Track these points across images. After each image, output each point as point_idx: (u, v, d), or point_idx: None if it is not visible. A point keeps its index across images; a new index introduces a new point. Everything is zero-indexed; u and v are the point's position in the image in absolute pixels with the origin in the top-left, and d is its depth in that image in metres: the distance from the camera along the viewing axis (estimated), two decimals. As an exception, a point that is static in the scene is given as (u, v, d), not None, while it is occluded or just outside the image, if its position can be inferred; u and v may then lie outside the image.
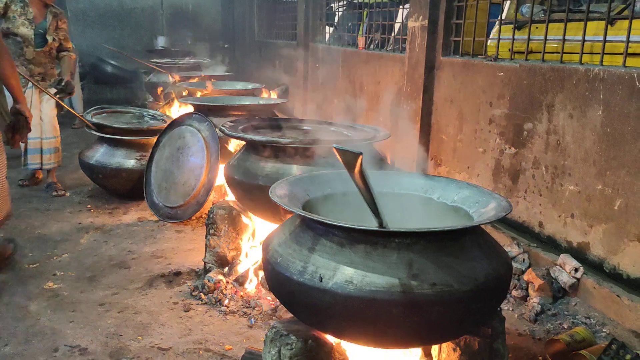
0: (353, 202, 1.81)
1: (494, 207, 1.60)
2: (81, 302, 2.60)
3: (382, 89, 4.96)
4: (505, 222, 3.35)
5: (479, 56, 3.66)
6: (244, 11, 10.13)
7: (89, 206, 4.00)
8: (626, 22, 2.78)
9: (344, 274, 1.41)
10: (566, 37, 3.02)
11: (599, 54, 2.78)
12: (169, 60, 7.11)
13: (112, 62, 9.97)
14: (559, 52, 3.03)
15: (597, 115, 2.70)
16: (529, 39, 3.27)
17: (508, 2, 4.46)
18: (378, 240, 1.44)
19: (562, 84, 2.91)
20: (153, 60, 7.19)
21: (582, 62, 2.87)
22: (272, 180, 2.22)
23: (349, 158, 1.38)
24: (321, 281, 1.42)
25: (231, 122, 2.70)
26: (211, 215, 2.71)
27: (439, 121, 4.05)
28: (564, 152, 2.92)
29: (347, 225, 1.42)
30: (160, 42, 9.82)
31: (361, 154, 1.36)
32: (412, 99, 4.25)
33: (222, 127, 2.51)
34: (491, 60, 3.48)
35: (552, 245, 2.99)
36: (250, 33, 9.82)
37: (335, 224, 1.44)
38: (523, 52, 3.47)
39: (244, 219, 2.72)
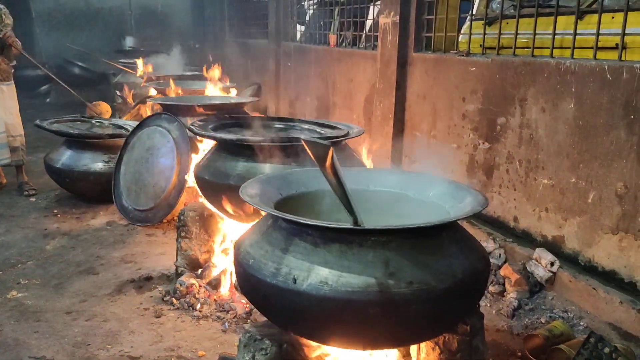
0: (327, 201, 1.77)
1: (470, 202, 1.57)
2: (46, 311, 2.49)
3: (355, 87, 4.92)
4: (481, 218, 3.33)
5: (451, 52, 3.65)
6: (214, 11, 10.01)
7: (55, 211, 3.87)
8: (595, 16, 2.79)
9: (319, 274, 1.36)
10: (537, 32, 3.03)
11: (569, 48, 2.79)
12: (137, 60, 6.95)
13: (80, 63, 9.76)
14: (530, 47, 3.03)
15: (569, 108, 2.69)
16: (499, 35, 3.26)
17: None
18: (353, 239, 1.39)
19: (534, 78, 2.91)
20: (121, 61, 7.03)
21: (553, 56, 2.87)
22: (244, 180, 2.15)
23: (319, 151, 1.33)
24: (295, 283, 1.37)
25: (201, 121, 2.62)
26: (182, 217, 2.63)
27: (413, 118, 4.03)
28: (537, 145, 2.91)
29: (320, 225, 1.37)
30: (129, 42, 9.64)
31: (331, 146, 1.30)
32: (385, 95, 4.23)
33: (191, 127, 2.44)
34: (463, 55, 3.46)
35: (528, 239, 2.99)
36: (221, 33, 9.70)
37: (308, 222, 1.39)
38: (495, 48, 3.47)
39: (215, 220, 2.64)
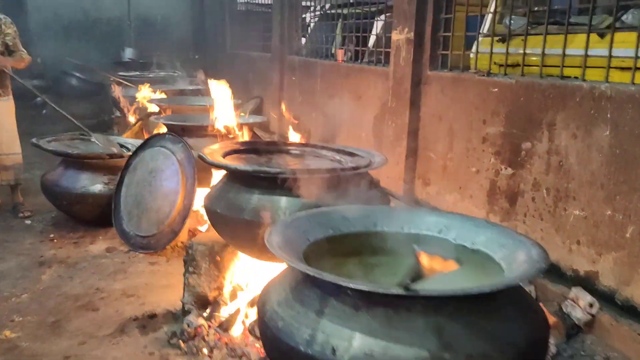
0: (361, 245, 1.59)
1: (524, 254, 1.38)
2: (43, 355, 2.28)
3: (364, 104, 4.75)
4: (503, 247, 3.16)
5: (470, 71, 3.48)
6: (215, 22, 9.85)
7: (52, 235, 3.66)
8: (617, 35, 2.65)
9: (362, 344, 1.17)
10: (559, 51, 2.87)
11: (591, 67, 2.64)
12: (137, 73, 6.79)
13: (77, 74, 9.56)
14: (553, 66, 2.88)
15: (605, 136, 2.52)
16: (524, 53, 3.09)
17: (490, 15, 4.31)
18: (400, 302, 1.20)
19: (563, 102, 2.74)
20: (120, 74, 6.85)
21: (585, 79, 2.70)
22: (259, 215, 1.97)
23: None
24: (334, 354, 1.18)
25: (211, 147, 2.44)
26: (190, 252, 2.43)
27: (427, 138, 3.85)
28: (567, 174, 2.74)
29: (364, 289, 1.18)
30: (128, 54, 9.46)
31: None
32: (397, 114, 4.05)
33: (202, 155, 2.25)
34: (484, 75, 3.30)
35: (557, 273, 2.80)
36: (222, 44, 9.53)
37: (349, 285, 1.20)
38: (511, 66, 3.32)
39: (227, 254, 2.45)
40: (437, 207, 3.76)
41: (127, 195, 3.48)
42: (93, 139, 4.06)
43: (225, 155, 2.39)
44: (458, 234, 1.63)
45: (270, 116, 7.03)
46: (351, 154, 2.45)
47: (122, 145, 4.03)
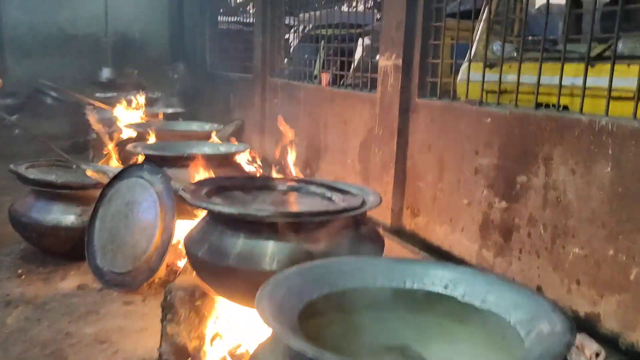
0: (363, 306, 1.44)
1: (547, 323, 1.24)
2: (3, 415, 2.08)
3: (350, 130, 4.63)
4: (497, 284, 3.03)
5: (461, 99, 3.39)
6: (195, 40, 9.70)
7: (20, 270, 3.43)
8: (608, 64, 2.58)
9: None
10: (549, 79, 2.80)
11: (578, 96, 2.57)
12: (114, 94, 6.58)
13: (53, 93, 9.29)
14: (543, 94, 2.81)
15: (605, 173, 2.42)
16: (518, 82, 3.00)
17: (475, 42, 4.22)
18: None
19: (561, 135, 2.64)
20: (96, 95, 6.64)
21: (583, 112, 2.61)
22: (245, 261, 1.81)
23: None
24: None
25: (192, 184, 2.27)
26: (168, 297, 2.25)
27: (416, 167, 3.74)
28: (565, 210, 2.63)
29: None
30: (105, 73, 9.23)
31: None
32: (385, 142, 3.94)
33: (182, 193, 2.08)
34: (475, 104, 3.20)
35: (555, 313, 2.69)
36: (201, 64, 9.39)
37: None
38: (492, 92, 3.23)
39: (208, 301, 2.27)
40: (426, 238, 3.64)
41: (102, 229, 3.28)
42: (75, 166, 3.86)
43: (208, 192, 2.23)
44: (466, 291, 1.49)
45: (251, 139, 6.88)
46: (343, 192, 2.30)
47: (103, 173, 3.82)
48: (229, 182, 2.44)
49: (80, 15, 10.29)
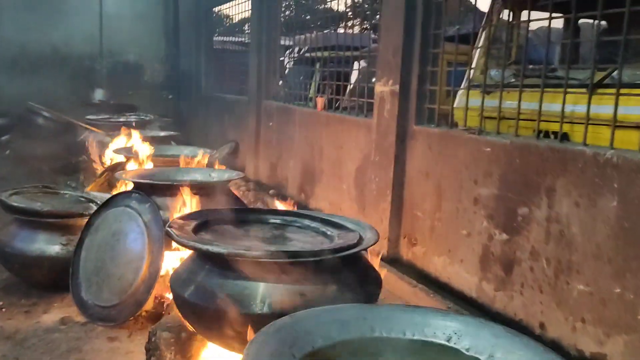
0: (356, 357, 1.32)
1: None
2: None
3: (345, 155, 4.54)
4: (498, 319, 2.92)
5: (460, 127, 3.30)
6: (190, 62, 9.65)
7: (0, 303, 3.29)
8: (609, 91, 2.52)
9: None
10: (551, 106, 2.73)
11: (578, 123, 2.49)
12: (107, 116, 6.48)
13: (45, 113, 9.18)
14: (545, 120, 2.74)
15: (611, 207, 2.33)
16: (519, 110, 2.92)
17: (473, 67, 4.15)
18: None
19: (564, 167, 2.55)
20: (88, 117, 6.54)
21: (587, 143, 2.52)
22: (235, 303, 1.70)
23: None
24: None
25: (180, 218, 2.16)
26: (153, 339, 2.13)
27: (413, 195, 3.64)
28: (569, 245, 2.53)
29: None
30: (98, 95, 9.14)
31: None
32: (381, 169, 3.84)
33: (169, 230, 1.97)
34: (474, 133, 3.11)
35: (559, 352, 2.56)
36: (197, 85, 9.33)
37: None
38: (491, 118, 3.15)
39: (195, 343, 2.15)
40: (424, 269, 3.53)
41: (87, 260, 3.15)
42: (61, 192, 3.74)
43: (196, 227, 2.12)
44: (472, 344, 1.38)
45: (246, 161, 6.79)
46: (338, 226, 2.20)
47: (91, 201, 3.70)
48: (219, 215, 2.33)
49: (74, 36, 10.23)
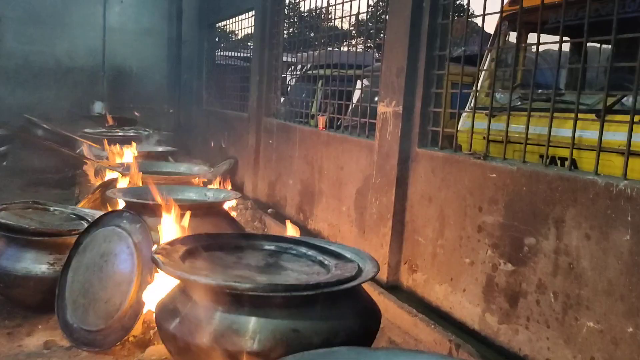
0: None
1: None
2: None
3: (346, 176, 4.43)
4: (503, 354, 2.78)
5: (465, 152, 3.19)
6: (192, 76, 9.60)
7: (-18, 324, 3.17)
8: (618, 117, 2.41)
9: None
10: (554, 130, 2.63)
11: (590, 150, 2.39)
12: (103, 130, 6.39)
13: (45, 125, 9.11)
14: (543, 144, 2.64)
15: (624, 241, 2.21)
16: (527, 137, 2.81)
17: (478, 89, 4.05)
18: None
19: (574, 197, 2.44)
20: (85, 131, 6.45)
21: (599, 172, 2.41)
22: (223, 338, 1.57)
23: None
24: None
25: (169, 244, 2.04)
26: (136, 373, 2.00)
27: (415, 220, 3.52)
28: (579, 279, 2.41)
29: None
30: (97, 107, 9.07)
31: None
32: (382, 192, 3.73)
33: (155, 257, 1.85)
34: (479, 158, 3.00)
35: (567, 392, 2.43)
36: (197, 100, 9.27)
37: None
38: (497, 142, 3.05)
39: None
40: (425, 297, 3.40)
41: (74, 281, 3.03)
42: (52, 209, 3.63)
43: (185, 253, 2.00)
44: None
45: (244, 178, 6.68)
46: (336, 255, 2.07)
47: (82, 218, 3.58)
48: (210, 239, 2.21)
49: (78, 48, 10.22)
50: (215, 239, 2.24)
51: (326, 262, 2.04)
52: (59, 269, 3.14)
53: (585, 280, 2.37)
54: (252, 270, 1.96)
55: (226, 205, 3.55)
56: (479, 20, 5.57)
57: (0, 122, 9.04)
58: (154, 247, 2.17)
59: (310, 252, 2.16)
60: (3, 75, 9.51)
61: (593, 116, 3.13)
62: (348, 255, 2.08)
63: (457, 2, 3.47)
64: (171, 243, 2.08)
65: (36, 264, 3.19)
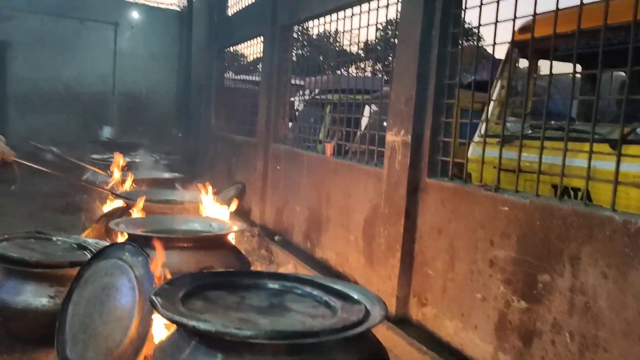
0: None
1: None
2: None
3: (354, 204, 4.35)
4: (516, 396, 2.67)
5: (473, 176, 3.12)
6: (201, 100, 9.62)
7: (-19, 358, 3.09)
8: (632, 148, 2.34)
9: None
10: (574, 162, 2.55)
11: (605, 181, 2.30)
12: (110, 156, 6.36)
13: (54, 149, 9.13)
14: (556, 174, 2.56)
15: (644, 281, 2.12)
16: (540, 166, 2.73)
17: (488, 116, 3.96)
18: None
19: (590, 234, 2.35)
20: (92, 157, 6.44)
21: (616, 209, 2.32)
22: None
23: None
24: None
25: (168, 283, 1.97)
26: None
27: (425, 253, 3.43)
28: (596, 319, 2.30)
29: None
30: (106, 133, 9.10)
31: None
32: (391, 222, 3.65)
33: (153, 299, 1.78)
34: (491, 190, 2.92)
35: None
36: (206, 124, 9.26)
37: None
38: (509, 171, 2.97)
39: None
40: (435, 332, 3.29)
41: (75, 315, 2.95)
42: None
43: (185, 294, 1.92)
44: None
45: (252, 204, 6.61)
46: (343, 296, 1.99)
47: (85, 248, 3.52)
48: (213, 278, 2.14)
49: (88, 73, 10.32)
50: (217, 277, 2.16)
51: (332, 303, 1.96)
52: (60, 302, 3.07)
53: (603, 320, 2.27)
54: (255, 312, 1.88)
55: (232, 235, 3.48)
56: (488, 46, 5.53)
57: (10, 146, 9.08)
58: (154, 286, 2.10)
59: (316, 292, 2.07)
60: (13, 101, 9.60)
61: (607, 146, 3.06)
62: (355, 295, 2.00)
63: (467, 26, 3.42)
64: (171, 282, 2.01)
65: (36, 297, 3.12)
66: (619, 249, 2.21)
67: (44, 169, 4.40)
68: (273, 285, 2.16)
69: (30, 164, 4.42)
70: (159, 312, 1.72)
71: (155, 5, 11.14)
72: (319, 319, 1.83)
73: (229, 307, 1.93)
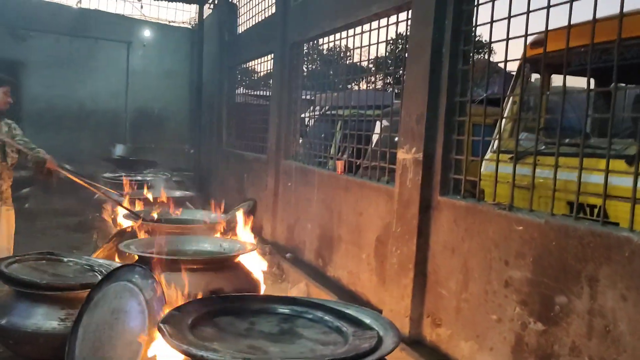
0: None
1: None
2: None
3: (365, 222, 4.31)
4: (535, 421, 2.59)
5: (489, 202, 3.06)
6: (212, 117, 9.66)
7: (-9, 381, 3.08)
8: None
9: None
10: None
11: (623, 199, 2.24)
12: (124, 174, 6.39)
13: (67, 166, 9.20)
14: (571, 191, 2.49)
15: (666, 305, 2.05)
16: (554, 184, 2.67)
17: (500, 132, 3.92)
18: None
19: (607, 254, 2.28)
20: (104, 176, 6.46)
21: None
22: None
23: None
24: None
25: (177, 310, 1.94)
26: None
27: (438, 272, 3.37)
28: (616, 343, 2.23)
29: None
30: (118, 150, 9.16)
31: None
32: (403, 241, 3.59)
33: (161, 327, 1.75)
34: (505, 208, 2.87)
35: None
36: (218, 140, 9.29)
37: None
38: (524, 188, 2.91)
39: None
40: (449, 354, 3.22)
41: (85, 338, 2.92)
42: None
43: (194, 321, 1.89)
44: None
45: (263, 220, 6.59)
46: (355, 322, 1.95)
47: (92, 268, 3.51)
48: (222, 303, 2.10)
49: (101, 91, 10.42)
50: (227, 303, 2.13)
51: (344, 329, 1.92)
52: (70, 325, 3.04)
53: (624, 345, 2.20)
54: (265, 339, 1.85)
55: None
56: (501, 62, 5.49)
57: (23, 163, 9.16)
58: (163, 311, 2.07)
59: (327, 317, 2.03)
60: (26, 119, 9.68)
61: (623, 163, 3.00)
62: (367, 321, 1.95)
63: (478, 40, 3.39)
64: (180, 309, 1.98)
65: (47, 320, 3.11)
66: (638, 271, 2.15)
67: (83, 181, 4.68)
68: (283, 310, 2.12)
69: (71, 176, 4.93)
70: (167, 341, 1.69)
71: (167, 23, 11.25)
72: (330, 346, 1.78)
73: (238, 334, 1.89)
